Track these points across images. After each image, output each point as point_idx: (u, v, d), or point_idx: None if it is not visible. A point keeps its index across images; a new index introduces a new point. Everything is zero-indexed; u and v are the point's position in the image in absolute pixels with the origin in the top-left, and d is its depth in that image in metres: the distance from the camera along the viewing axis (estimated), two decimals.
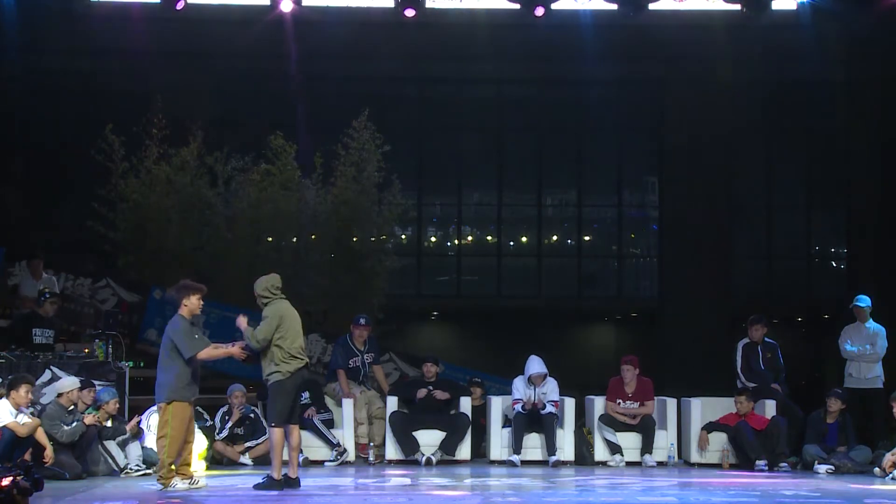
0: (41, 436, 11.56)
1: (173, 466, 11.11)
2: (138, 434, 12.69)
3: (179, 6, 18.07)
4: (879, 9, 19.28)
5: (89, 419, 12.11)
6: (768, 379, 14.37)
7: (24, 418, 11.41)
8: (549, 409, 13.89)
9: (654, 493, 11.41)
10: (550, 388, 14.06)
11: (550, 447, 13.75)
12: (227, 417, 13.65)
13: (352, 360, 14.47)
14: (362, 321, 14.60)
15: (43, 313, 14.36)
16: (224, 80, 22.83)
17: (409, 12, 18.35)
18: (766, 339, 14.62)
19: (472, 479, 12.42)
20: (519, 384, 14.09)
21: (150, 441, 12.60)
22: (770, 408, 14.01)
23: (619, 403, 14.19)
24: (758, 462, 13.39)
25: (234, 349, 11.41)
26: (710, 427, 13.96)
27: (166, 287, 17.57)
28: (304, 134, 20.31)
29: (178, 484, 11.09)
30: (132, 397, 13.87)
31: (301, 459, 13.58)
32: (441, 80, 24.25)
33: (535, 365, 14.06)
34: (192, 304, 11.35)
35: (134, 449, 12.55)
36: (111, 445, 12.39)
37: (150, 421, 12.83)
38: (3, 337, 14.42)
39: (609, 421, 14.06)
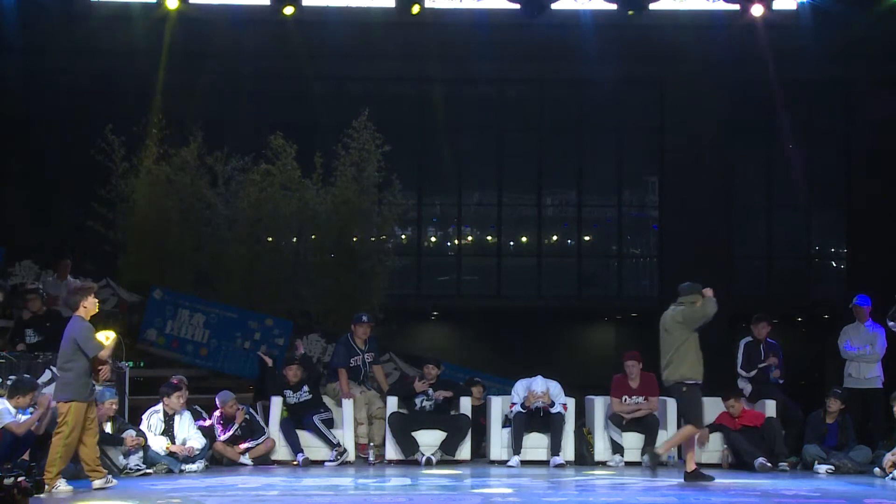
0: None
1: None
2: (142, 443, 12.61)
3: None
4: (879, 9, 19.31)
5: None
6: (768, 372, 14.37)
7: (23, 418, 11.41)
8: (558, 409, 13.88)
9: (654, 493, 11.40)
10: (556, 392, 14.05)
11: (555, 447, 13.73)
12: (222, 421, 13.63)
13: (353, 360, 14.47)
14: (364, 318, 14.59)
15: (32, 308, 14.41)
16: (224, 80, 22.84)
17: (416, 8, 18.33)
18: (769, 339, 14.61)
19: (472, 479, 12.42)
20: (520, 388, 14.07)
21: (152, 441, 12.61)
22: (770, 408, 14.00)
23: (625, 400, 14.18)
24: (759, 460, 13.34)
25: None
26: (710, 428, 13.95)
27: (164, 287, 17.68)
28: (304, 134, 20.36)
29: (63, 486, 10.84)
30: (132, 397, 13.88)
31: (301, 459, 13.63)
32: (441, 80, 24.24)
33: (539, 385, 14.03)
34: (89, 304, 11.31)
35: (134, 449, 12.53)
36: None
37: (151, 421, 12.84)
38: (4, 337, 14.45)
39: (618, 420, 14.02)
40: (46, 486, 10.76)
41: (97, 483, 11.06)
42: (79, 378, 11.05)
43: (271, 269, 18.92)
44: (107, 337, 11.24)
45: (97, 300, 11.44)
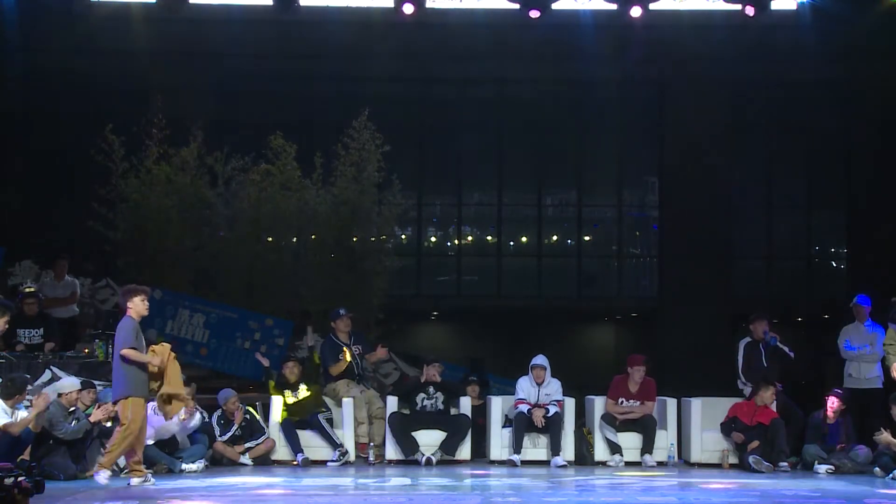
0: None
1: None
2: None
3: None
4: (879, 9, 19.30)
5: (96, 414, 12.12)
6: (770, 377, 14.36)
7: (21, 414, 11.43)
8: (554, 409, 13.89)
9: (654, 493, 11.41)
10: (554, 389, 14.08)
11: (555, 447, 13.75)
12: (222, 422, 13.65)
13: (341, 356, 14.46)
14: (342, 312, 14.63)
15: (29, 312, 14.42)
16: (224, 80, 22.83)
17: (408, 8, 18.19)
18: (766, 333, 14.58)
19: (472, 479, 12.43)
20: (524, 383, 14.11)
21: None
22: (771, 408, 14.00)
23: (622, 402, 14.18)
24: (752, 457, 13.34)
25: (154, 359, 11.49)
26: (730, 426, 13.92)
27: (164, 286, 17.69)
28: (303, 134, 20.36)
29: (103, 477, 11.28)
30: None
31: (301, 459, 13.63)
32: (441, 80, 24.24)
33: (538, 358, 14.10)
34: (135, 304, 11.48)
35: None
36: None
37: (154, 411, 12.87)
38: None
39: (610, 420, 14.05)
40: (91, 471, 11.21)
41: (135, 481, 11.29)
42: (131, 374, 11.19)
43: (271, 269, 18.91)
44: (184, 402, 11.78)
45: (146, 302, 11.57)
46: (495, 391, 15.91)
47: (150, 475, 11.52)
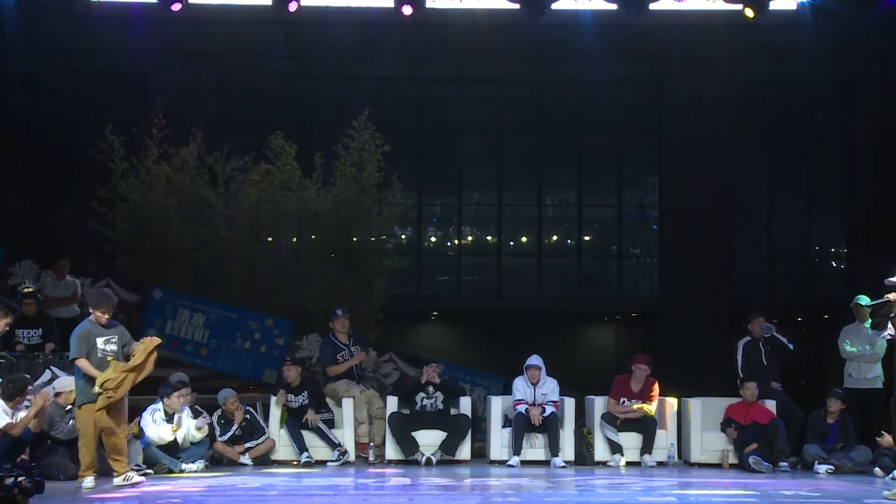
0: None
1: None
2: (139, 434, 12.70)
3: (175, 7, 17.88)
4: (879, 9, 19.30)
5: None
6: (769, 376, 14.38)
7: (21, 414, 11.43)
8: (550, 409, 13.89)
9: (654, 493, 11.41)
10: (550, 389, 14.08)
11: (554, 448, 13.75)
12: (222, 421, 13.66)
13: (339, 355, 14.46)
14: (339, 312, 14.62)
15: (27, 313, 14.43)
16: (224, 80, 22.82)
17: (407, 9, 18.16)
18: (763, 326, 14.57)
19: (472, 479, 12.43)
20: (519, 384, 14.11)
21: (155, 430, 12.66)
22: (770, 408, 14.02)
23: (623, 402, 14.19)
24: (752, 456, 13.35)
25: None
26: (721, 426, 13.95)
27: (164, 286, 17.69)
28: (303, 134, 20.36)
29: (87, 483, 11.14)
30: (132, 397, 13.85)
31: (304, 459, 13.63)
32: (441, 80, 24.22)
33: (532, 359, 14.13)
34: (98, 314, 11.38)
35: (134, 449, 12.54)
36: None
37: (154, 416, 12.86)
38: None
39: (611, 420, 14.06)
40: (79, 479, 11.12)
41: (117, 480, 11.26)
42: (83, 382, 11.14)
43: (271, 269, 18.92)
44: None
45: (106, 315, 11.45)
46: (495, 392, 15.90)
47: (132, 472, 11.41)
